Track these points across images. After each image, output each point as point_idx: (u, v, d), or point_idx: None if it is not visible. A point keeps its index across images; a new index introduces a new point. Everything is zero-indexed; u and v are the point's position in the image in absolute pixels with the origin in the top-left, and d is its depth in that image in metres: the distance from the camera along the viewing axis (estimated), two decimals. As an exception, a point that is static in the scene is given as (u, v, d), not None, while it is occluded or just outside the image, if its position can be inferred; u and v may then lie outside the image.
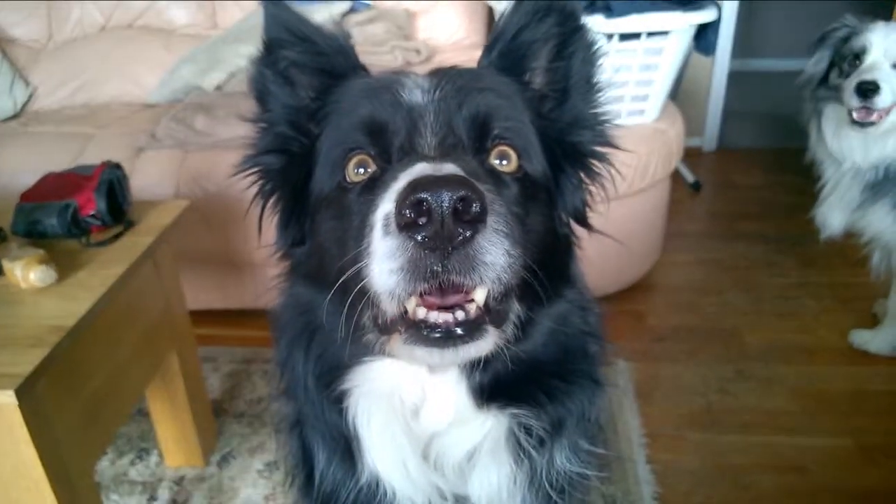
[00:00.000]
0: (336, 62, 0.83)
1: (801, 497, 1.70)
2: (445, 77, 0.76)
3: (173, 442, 1.80)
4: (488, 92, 0.75)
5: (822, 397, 2.04)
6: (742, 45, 4.28)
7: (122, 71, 2.89)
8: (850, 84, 1.88)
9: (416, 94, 0.73)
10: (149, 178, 2.21)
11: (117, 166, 1.63)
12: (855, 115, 1.89)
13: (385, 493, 0.83)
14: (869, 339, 2.22)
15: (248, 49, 2.75)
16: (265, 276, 2.36)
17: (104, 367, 1.38)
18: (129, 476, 1.82)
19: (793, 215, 2.83)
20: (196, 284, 2.39)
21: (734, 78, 3.90)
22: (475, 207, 0.57)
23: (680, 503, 1.69)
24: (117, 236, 1.51)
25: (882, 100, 1.84)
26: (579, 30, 0.81)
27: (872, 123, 1.88)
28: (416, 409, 0.80)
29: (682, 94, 3.47)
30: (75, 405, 1.30)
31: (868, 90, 1.84)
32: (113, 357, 1.42)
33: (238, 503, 1.72)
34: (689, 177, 3.47)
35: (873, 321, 2.29)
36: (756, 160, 3.78)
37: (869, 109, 1.86)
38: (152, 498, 1.74)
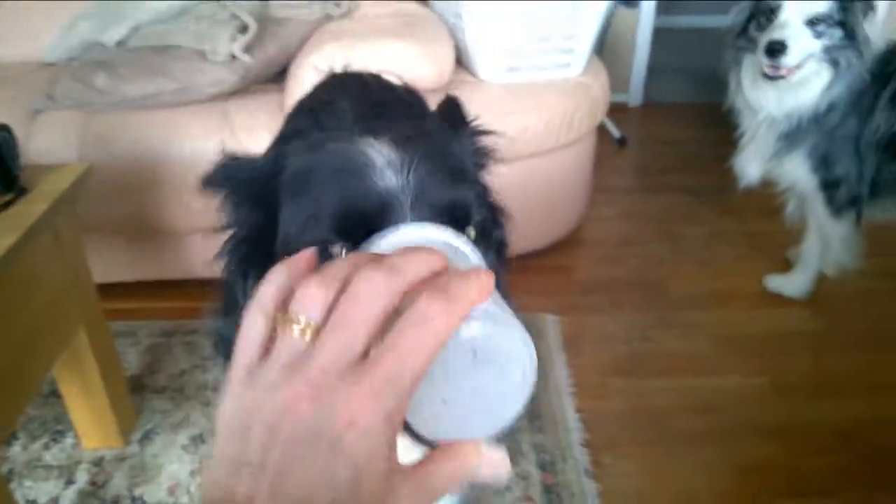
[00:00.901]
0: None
1: (718, 434, 1.79)
2: (414, 153, 0.70)
3: (89, 422, 1.71)
4: (462, 181, 0.72)
5: (739, 340, 2.13)
6: (667, 2, 4.32)
7: (13, 28, 2.64)
8: (762, 41, 1.91)
9: (389, 177, 0.67)
10: (47, 142, 2.04)
11: (4, 128, 1.49)
12: (765, 69, 1.93)
13: None
14: (783, 284, 2.33)
15: (153, 3, 2.54)
16: (186, 245, 2.26)
17: (2, 344, 1.29)
18: (44, 460, 1.72)
19: (714, 167, 2.90)
20: (110, 256, 2.25)
21: (659, 34, 3.93)
22: None
23: (606, 447, 1.74)
24: (7, 204, 1.39)
25: (789, 59, 1.87)
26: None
27: (783, 77, 1.92)
28: None
29: (607, 50, 3.48)
30: (-32, 388, 1.21)
31: (775, 50, 1.87)
32: (11, 333, 1.31)
33: (162, 480, 1.66)
34: (615, 132, 3.51)
35: (786, 266, 2.40)
36: (681, 115, 3.86)
37: (777, 66, 1.90)
38: (69, 482, 1.66)
